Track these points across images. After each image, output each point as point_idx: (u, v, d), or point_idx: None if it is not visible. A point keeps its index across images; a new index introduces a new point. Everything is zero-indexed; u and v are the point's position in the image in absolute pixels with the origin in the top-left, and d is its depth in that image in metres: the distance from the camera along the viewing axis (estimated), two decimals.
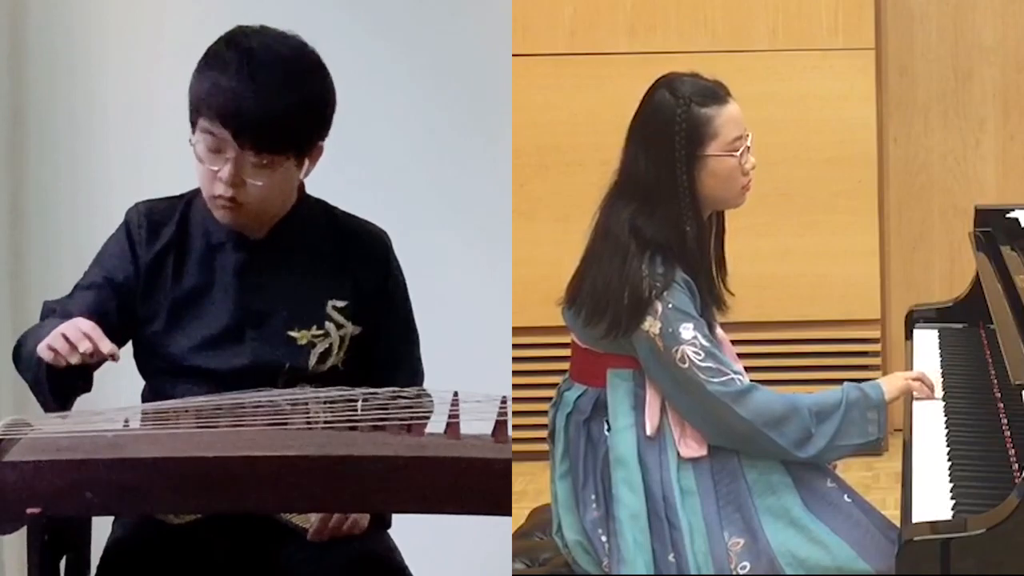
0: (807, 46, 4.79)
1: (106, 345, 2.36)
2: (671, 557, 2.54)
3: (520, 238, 4.04)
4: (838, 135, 4.78)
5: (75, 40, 3.73)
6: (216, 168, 2.50)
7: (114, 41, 3.73)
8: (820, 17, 4.79)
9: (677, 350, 2.50)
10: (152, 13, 3.74)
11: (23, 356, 2.52)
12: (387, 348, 2.69)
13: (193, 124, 2.54)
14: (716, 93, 2.57)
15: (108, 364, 2.43)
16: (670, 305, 2.50)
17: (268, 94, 2.47)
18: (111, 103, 3.74)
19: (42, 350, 2.38)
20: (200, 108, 2.51)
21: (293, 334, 2.60)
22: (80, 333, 2.35)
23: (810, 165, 4.74)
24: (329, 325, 2.62)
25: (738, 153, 2.56)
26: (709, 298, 2.61)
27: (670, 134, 2.53)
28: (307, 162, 2.58)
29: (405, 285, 2.73)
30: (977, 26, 4.93)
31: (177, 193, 2.70)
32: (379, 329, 2.67)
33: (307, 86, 2.53)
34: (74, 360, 2.35)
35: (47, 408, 2.48)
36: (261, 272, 2.61)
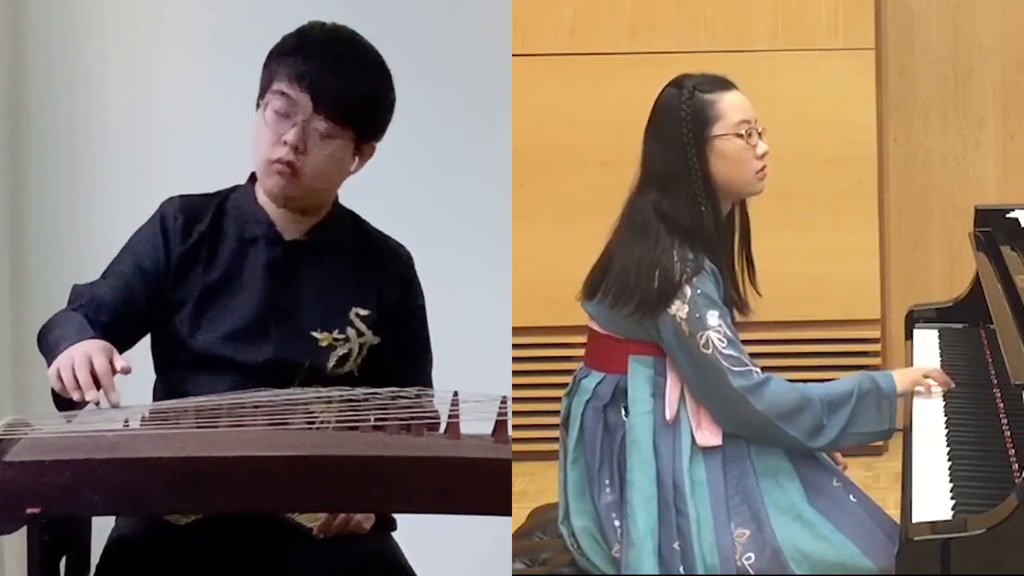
0: (807, 46, 4.79)
1: (114, 396, 2.37)
2: (676, 545, 2.57)
3: (520, 238, 4.04)
4: (838, 135, 4.78)
5: (75, 40, 3.73)
6: (282, 132, 2.56)
7: (114, 41, 3.73)
8: (820, 17, 4.79)
9: (702, 335, 2.54)
10: (152, 13, 3.74)
11: (45, 347, 2.52)
12: (401, 364, 2.71)
13: (263, 92, 2.60)
14: (720, 82, 2.64)
15: None
16: (699, 291, 2.55)
17: (349, 68, 2.58)
18: (112, 103, 3.74)
19: (52, 376, 2.40)
20: (278, 73, 2.58)
21: (316, 335, 2.63)
22: (89, 379, 2.36)
23: (810, 165, 4.73)
24: (351, 331, 2.65)
25: (744, 133, 2.60)
26: (732, 283, 2.66)
27: (677, 121, 2.60)
28: (358, 158, 2.65)
29: (424, 306, 2.78)
30: (977, 26, 4.93)
31: (180, 192, 2.71)
32: (396, 344, 2.70)
33: (381, 76, 2.64)
34: (76, 398, 2.37)
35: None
36: (291, 270, 2.65)
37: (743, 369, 2.55)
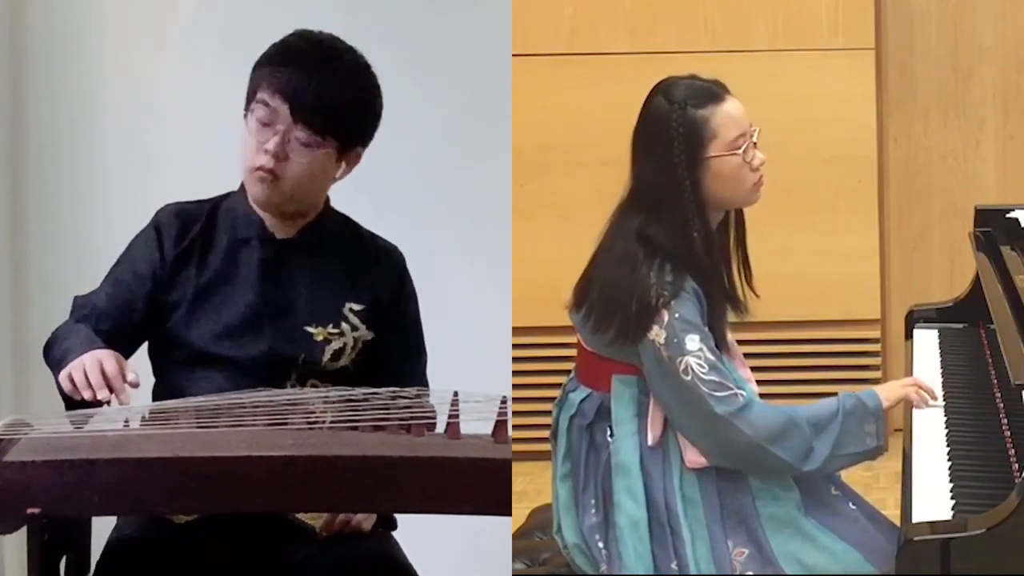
0: (807, 46, 4.79)
1: (124, 398, 2.41)
2: (673, 565, 2.51)
3: (520, 238, 4.04)
4: (838, 135, 4.78)
5: (75, 40, 3.73)
6: (263, 140, 2.59)
7: (114, 41, 3.73)
8: (820, 17, 4.79)
9: (681, 361, 2.45)
10: (153, 13, 3.74)
11: (50, 358, 2.56)
12: (395, 361, 2.72)
13: (248, 101, 2.62)
14: (712, 92, 2.52)
15: None
16: (677, 315, 2.45)
17: (327, 79, 2.60)
18: (111, 103, 3.74)
19: (63, 380, 2.44)
20: (261, 84, 2.61)
21: (310, 329, 2.65)
22: (101, 379, 2.40)
23: (810, 165, 4.73)
24: (345, 326, 2.67)
25: (740, 150, 2.50)
26: (724, 302, 2.57)
27: (668, 140, 2.48)
28: (344, 164, 2.67)
29: (417, 305, 2.79)
30: (977, 26, 4.93)
31: (178, 193, 2.72)
32: (389, 340, 2.71)
33: (362, 84, 2.66)
34: (88, 396, 2.40)
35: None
36: (284, 268, 2.67)
37: (726, 394, 2.45)
